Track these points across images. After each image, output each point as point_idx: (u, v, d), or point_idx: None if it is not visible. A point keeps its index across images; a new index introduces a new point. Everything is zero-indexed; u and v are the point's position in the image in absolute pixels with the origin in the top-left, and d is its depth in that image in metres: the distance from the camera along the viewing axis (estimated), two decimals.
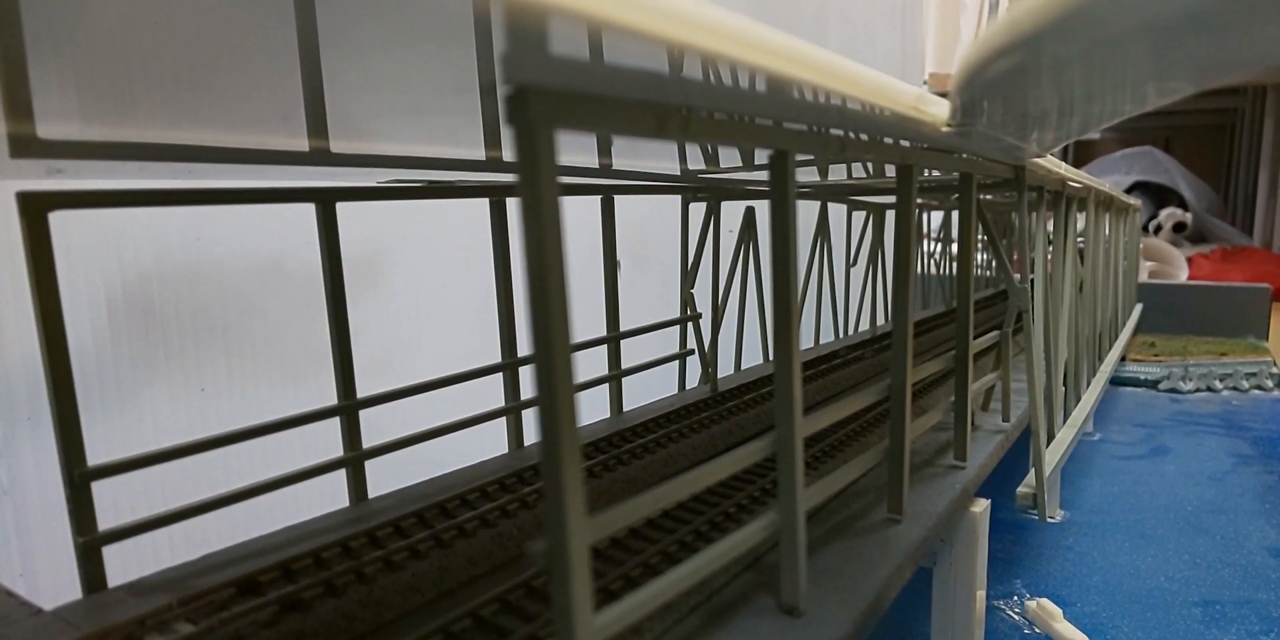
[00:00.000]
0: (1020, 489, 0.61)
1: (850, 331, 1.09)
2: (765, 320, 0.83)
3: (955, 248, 0.65)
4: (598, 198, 0.64)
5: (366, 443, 0.48)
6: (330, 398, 0.47)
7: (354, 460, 0.48)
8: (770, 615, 0.34)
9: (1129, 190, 2.81)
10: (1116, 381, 1.41)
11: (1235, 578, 0.70)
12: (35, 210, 0.34)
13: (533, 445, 0.58)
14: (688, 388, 0.76)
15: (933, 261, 1.38)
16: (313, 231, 0.45)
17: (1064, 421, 0.77)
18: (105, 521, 0.37)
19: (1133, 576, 0.71)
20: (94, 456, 0.37)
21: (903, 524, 0.44)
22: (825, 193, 0.89)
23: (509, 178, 0.50)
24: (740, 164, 0.60)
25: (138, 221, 0.62)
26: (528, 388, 0.58)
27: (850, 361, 0.84)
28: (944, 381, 0.74)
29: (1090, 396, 0.92)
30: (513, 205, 0.55)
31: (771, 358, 0.35)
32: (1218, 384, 1.41)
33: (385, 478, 0.50)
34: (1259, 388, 1.41)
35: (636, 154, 0.57)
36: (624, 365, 0.68)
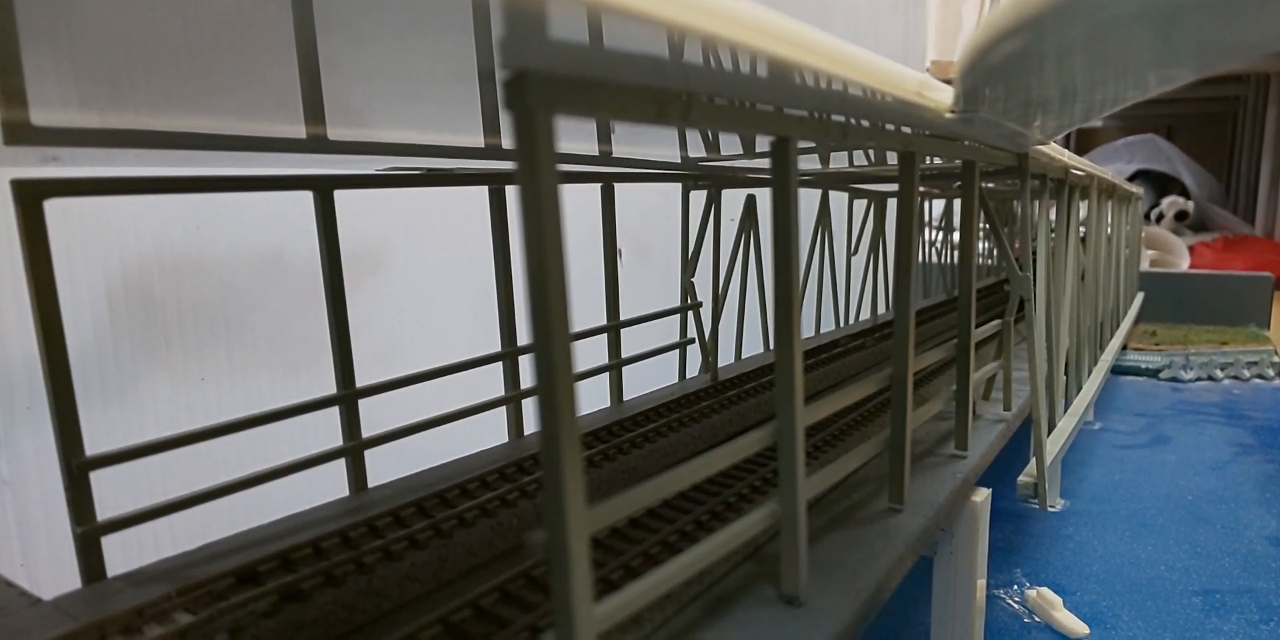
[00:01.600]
0: (1021, 478, 0.61)
1: (851, 320, 1.09)
2: (766, 309, 0.83)
3: (957, 236, 0.65)
4: (598, 185, 0.64)
5: (366, 432, 0.48)
6: (330, 387, 0.47)
7: (353, 449, 0.47)
8: (771, 605, 0.34)
9: (1131, 178, 2.80)
10: (1118, 370, 1.41)
11: (1235, 567, 0.70)
12: (30, 198, 0.34)
13: (532, 435, 0.58)
14: (688, 377, 0.76)
15: (934, 250, 1.38)
16: (312, 222, 0.45)
17: (1065, 410, 0.77)
18: (105, 511, 0.37)
19: (1133, 565, 0.71)
20: (96, 446, 0.37)
21: (904, 513, 0.44)
22: (827, 180, 0.89)
23: (508, 165, 0.50)
24: (741, 151, 0.59)
25: (138, 212, 0.62)
26: (527, 377, 0.58)
27: (851, 350, 0.84)
28: (945, 370, 0.74)
29: (1091, 385, 0.92)
30: (512, 193, 0.55)
31: (772, 346, 0.34)
32: (1219, 373, 1.41)
33: (385, 467, 0.50)
34: (1260, 377, 1.41)
35: (637, 141, 0.56)
36: (624, 354, 0.68)
